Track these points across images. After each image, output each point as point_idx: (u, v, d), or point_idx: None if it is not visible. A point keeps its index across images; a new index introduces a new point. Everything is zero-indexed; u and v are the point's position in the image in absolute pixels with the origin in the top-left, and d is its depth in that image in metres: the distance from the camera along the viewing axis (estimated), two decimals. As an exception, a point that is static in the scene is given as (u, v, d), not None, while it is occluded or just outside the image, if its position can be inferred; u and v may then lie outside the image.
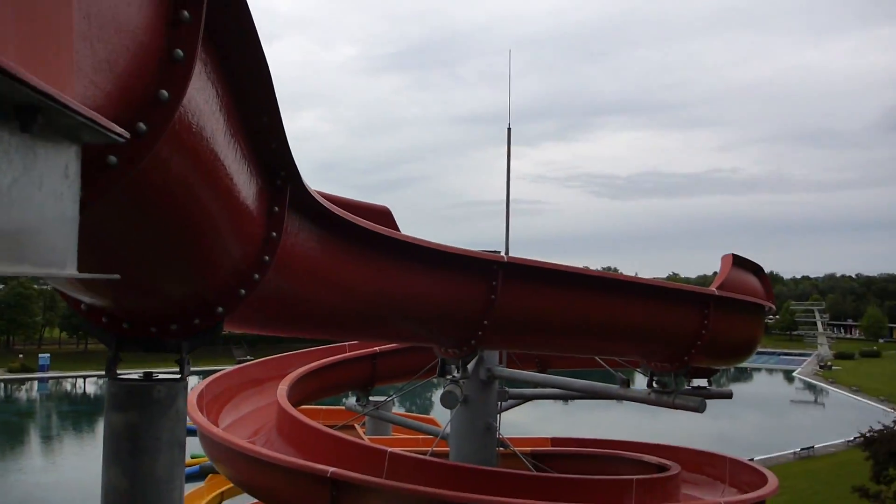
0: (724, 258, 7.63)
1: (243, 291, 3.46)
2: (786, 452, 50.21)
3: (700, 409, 7.28)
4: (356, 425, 15.10)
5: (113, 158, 2.01)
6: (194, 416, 8.07)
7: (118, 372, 3.43)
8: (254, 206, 3.33)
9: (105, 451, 3.40)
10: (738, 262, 7.72)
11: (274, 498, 7.68)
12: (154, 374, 3.49)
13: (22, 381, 78.64)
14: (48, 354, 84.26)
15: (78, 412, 60.80)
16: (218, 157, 2.73)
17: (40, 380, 79.36)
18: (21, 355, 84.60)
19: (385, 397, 13.86)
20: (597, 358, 9.03)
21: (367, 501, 6.70)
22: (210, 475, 26.30)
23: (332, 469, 6.52)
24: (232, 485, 24.24)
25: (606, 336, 6.59)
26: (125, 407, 3.35)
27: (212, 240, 3.11)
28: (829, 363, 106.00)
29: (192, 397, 8.68)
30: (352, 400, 12.97)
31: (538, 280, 5.94)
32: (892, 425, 20.02)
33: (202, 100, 2.45)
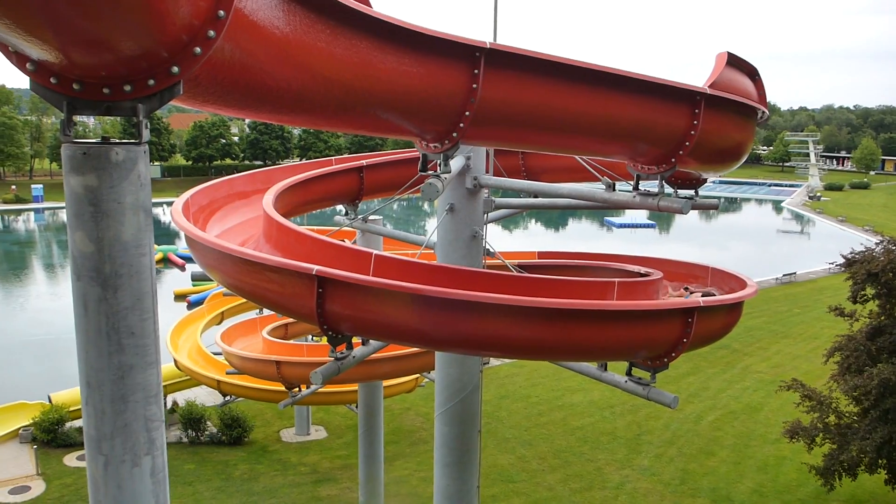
0: (718, 56, 7.27)
1: (199, 49, 3.23)
2: (768, 278, 52.02)
3: (684, 210, 7.26)
4: (347, 241, 15.28)
5: None
6: (180, 222, 8.04)
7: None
8: None
9: (68, 215, 3.32)
10: (733, 61, 7.36)
11: (263, 298, 7.81)
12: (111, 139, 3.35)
13: (18, 212, 79.34)
14: (41, 185, 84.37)
15: (77, 241, 61.85)
16: None
17: (36, 210, 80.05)
18: (14, 187, 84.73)
19: (377, 215, 13.90)
20: (582, 161, 8.91)
21: (352, 299, 6.78)
22: (211, 295, 27.16)
23: (317, 267, 6.54)
24: (231, 305, 25.22)
25: (593, 132, 6.40)
26: (83, 170, 3.23)
27: None
28: (818, 194, 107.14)
29: (177, 205, 8.62)
30: (342, 218, 13.06)
31: (523, 69, 5.65)
32: (873, 247, 20.33)
33: None
